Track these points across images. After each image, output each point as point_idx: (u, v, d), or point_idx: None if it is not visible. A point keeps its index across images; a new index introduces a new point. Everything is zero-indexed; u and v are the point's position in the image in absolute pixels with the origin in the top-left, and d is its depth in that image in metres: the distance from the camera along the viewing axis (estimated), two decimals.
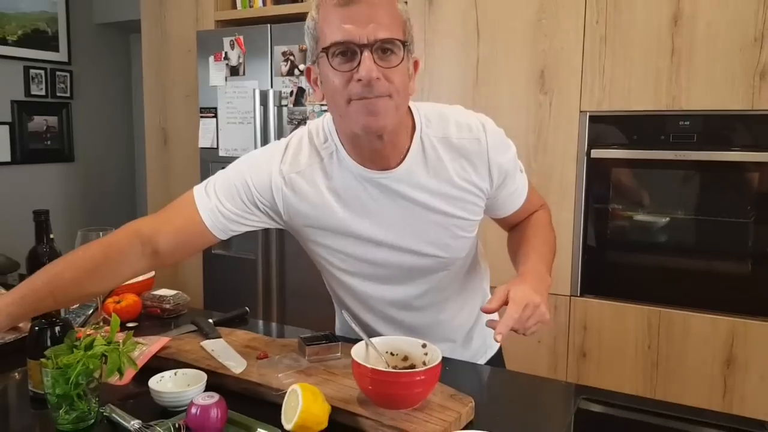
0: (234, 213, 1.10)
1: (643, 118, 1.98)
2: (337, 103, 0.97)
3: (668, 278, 2.01)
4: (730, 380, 1.92)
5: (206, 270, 2.82)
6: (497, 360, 1.35)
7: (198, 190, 1.13)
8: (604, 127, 2.03)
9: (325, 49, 0.94)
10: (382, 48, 0.92)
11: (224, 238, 1.14)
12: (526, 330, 0.97)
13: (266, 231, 2.55)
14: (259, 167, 1.09)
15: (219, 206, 1.09)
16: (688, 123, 1.92)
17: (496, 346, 1.35)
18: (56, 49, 3.79)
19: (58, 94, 3.83)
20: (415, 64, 1.01)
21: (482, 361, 1.31)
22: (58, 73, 3.81)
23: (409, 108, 1.06)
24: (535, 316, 0.97)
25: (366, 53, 0.91)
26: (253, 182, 1.09)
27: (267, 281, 2.59)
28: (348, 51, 0.92)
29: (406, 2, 0.99)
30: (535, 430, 0.96)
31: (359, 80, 0.92)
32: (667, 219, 2.01)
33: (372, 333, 1.19)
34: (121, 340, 1.05)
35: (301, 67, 2.42)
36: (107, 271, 1.07)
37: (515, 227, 1.24)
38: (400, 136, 1.04)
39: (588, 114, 2.06)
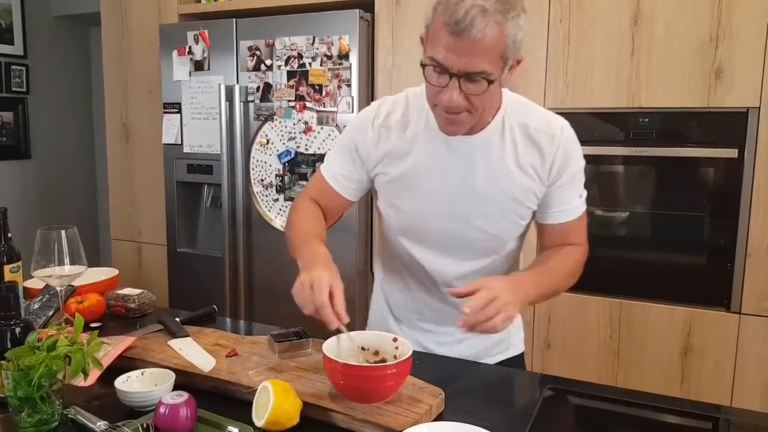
0: (345, 169, 1.27)
1: (604, 116, 2.03)
2: (427, 98, 1.11)
3: (628, 271, 2.07)
4: (686, 367, 1.99)
5: (171, 268, 2.76)
6: (518, 361, 1.37)
7: (323, 166, 1.33)
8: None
9: (428, 57, 1.03)
10: (470, 78, 1.00)
11: (354, 199, 1.31)
12: (487, 322, 0.98)
13: (232, 227, 2.52)
14: (358, 125, 1.26)
15: (336, 168, 1.28)
16: (647, 120, 1.97)
17: (520, 345, 1.38)
18: (11, 41, 3.66)
19: (14, 89, 3.70)
20: (518, 62, 1.05)
21: (501, 358, 1.33)
22: (13, 67, 3.68)
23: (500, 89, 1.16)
24: (497, 311, 0.99)
25: (453, 81, 1.01)
26: (353, 136, 1.26)
27: (234, 279, 2.56)
28: (441, 70, 1.01)
29: (522, 21, 1.01)
30: (504, 419, 0.98)
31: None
32: (627, 214, 2.06)
33: (404, 314, 1.35)
34: (85, 341, 1.03)
35: (268, 62, 2.40)
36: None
37: (546, 252, 1.26)
38: (484, 114, 1.12)
39: (552, 110, 2.09)
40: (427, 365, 1.13)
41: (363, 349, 1.07)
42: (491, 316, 0.98)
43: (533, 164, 1.15)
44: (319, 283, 1.03)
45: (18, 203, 3.77)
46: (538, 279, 1.14)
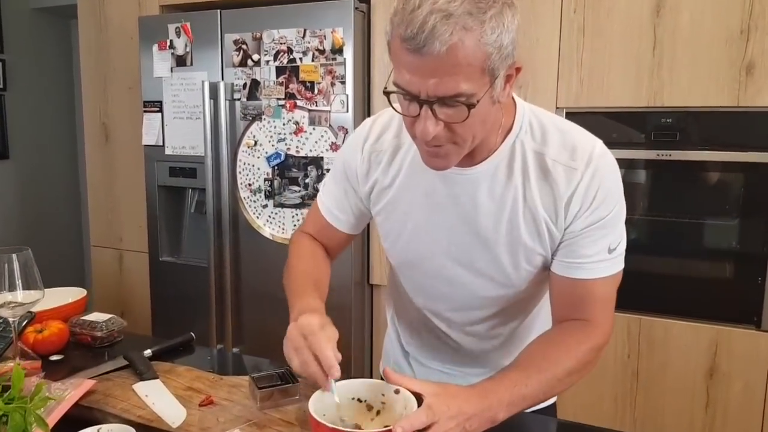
0: (339, 202, 1.13)
1: (623, 115, 1.88)
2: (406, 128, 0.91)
3: (649, 285, 1.92)
4: (712, 390, 1.84)
5: (153, 278, 2.60)
6: (550, 411, 1.16)
7: (319, 194, 1.19)
8: (582, 124, 1.90)
9: (393, 82, 0.83)
10: (445, 103, 0.79)
11: (355, 232, 1.17)
12: None
13: (218, 235, 2.36)
14: (349, 148, 1.10)
15: (332, 202, 1.14)
16: (670, 120, 1.83)
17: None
18: None
19: None
20: (516, 70, 0.84)
21: (532, 409, 1.06)
22: None
23: (514, 103, 0.96)
24: None
25: (425, 109, 0.80)
26: (344, 161, 1.11)
27: (220, 290, 2.40)
28: (409, 97, 0.82)
29: (509, 20, 0.78)
30: None
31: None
32: (648, 222, 1.92)
33: (414, 351, 1.22)
34: (32, 388, 0.87)
35: (255, 57, 2.23)
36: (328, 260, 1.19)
37: (547, 333, 1.01)
38: (487, 139, 0.92)
39: (564, 110, 1.94)
40: None
41: (359, 401, 0.90)
42: None
43: (545, 204, 0.93)
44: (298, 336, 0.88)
45: None
46: (518, 391, 0.87)
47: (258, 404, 0.98)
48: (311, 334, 0.87)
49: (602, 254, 0.93)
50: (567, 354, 0.92)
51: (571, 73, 1.91)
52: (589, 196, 0.91)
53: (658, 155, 1.83)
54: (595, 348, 0.95)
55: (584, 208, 0.91)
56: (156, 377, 1.09)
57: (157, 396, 1.02)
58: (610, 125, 1.89)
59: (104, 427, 0.91)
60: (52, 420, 0.92)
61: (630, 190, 1.90)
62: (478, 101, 0.79)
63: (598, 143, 0.94)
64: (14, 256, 1.09)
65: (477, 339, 1.12)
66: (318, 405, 0.83)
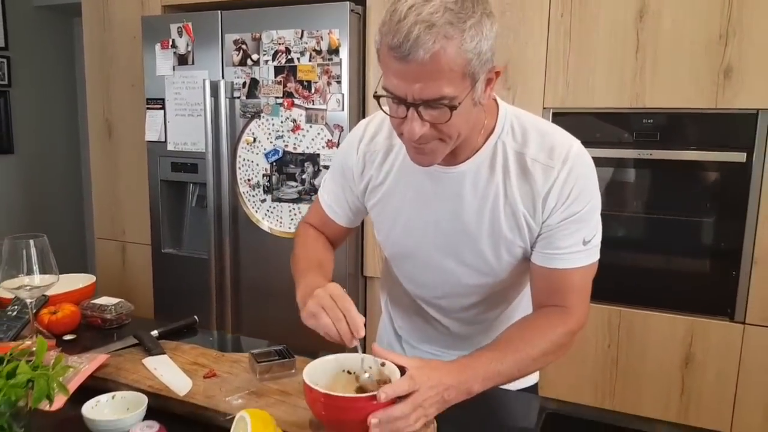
0: (338, 197, 1.21)
1: (607, 116, 1.95)
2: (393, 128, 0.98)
3: (628, 278, 2.00)
4: (687, 379, 1.92)
5: (156, 268, 2.68)
6: (531, 392, 1.26)
7: (320, 190, 1.27)
8: (567, 124, 1.95)
9: (382, 86, 0.90)
10: (430, 105, 0.86)
11: (354, 225, 1.26)
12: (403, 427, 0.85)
13: (218, 228, 2.44)
14: (345, 147, 1.18)
15: (330, 197, 1.23)
16: (651, 121, 1.89)
17: (534, 376, 1.26)
18: None
19: None
20: (496, 74, 0.91)
21: (514, 388, 1.18)
22: None
23: (497, 105, 1.03)
24: (416, 420, 0.86)
25: (411, 111, 0.87)
26: (341, 160, 1.18)
27: (220, 281, 2.48)
28: (397, 100, 0.89)
29: (487, 28, 0.85)
30: None
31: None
32: (629, 218, 1.99)
33: (406, 335, 1.31)
34: (52, 360, 0.95)
35: (254, 57, 2.30)
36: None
37: (526, 317, 1.08)
38: (470, 139, 1.00)
39: (551, 111, 2.02)
40: None
41: (349, 373, 0.98)
42: (410, 424, 0.85)
43: (525, 198, 1.00)
44: (327, 297, 0.95)
45: (0, 200, 3.66)
46: (494, 367, 0.95)
47: (257, 377, 1.07)
48: (340, 298, 0.94)
49: (578, 246, 1.00)
50: (542, 336, 1.00)
51: (558, 75, 1.99)
52: (565, 192, 0.98)
53: (639, 154, 1.91)
54: (569, 332, 1.02)
55: (560, 203, 0.98)
56: (164, 353, 1.17)
57: (165, 369, 1.11)
58: (594, 125, 1.95)
59: (118, 394, 1.00)
60: (70, 388, 1.00)
61: (613, 187, 1.99)
62: (459, 103, 0.86)
63: (576, 143, 1.01)
64: (32, 242, 1.16)
65: (464, 324, 1.21)
66: (312, 375, 0.92)
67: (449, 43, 0.81)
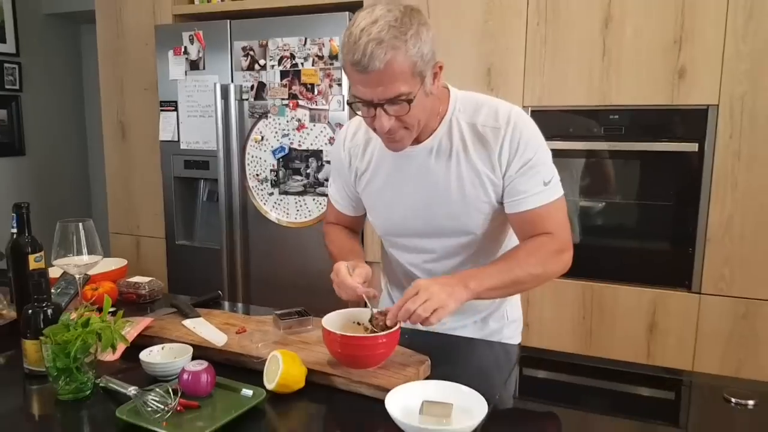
0: (338, 191, 1.44)
1: (578, 113, 2.17)
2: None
3: (600, 257, 2.22)
4: (652, 344, 2.14)
5: (170, 259, 2.86)
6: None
7: (328, 189, 1.50)
8: (545, 120, 2.17)
9: (351, 95, 1.12)
10: (393, 102, 1.08)
11: (360, 214, 1.47)
12: (420, 317, 1.06)
13: (229, 220, 2.63)
14: (336, 147, 1.41)
15: (333, 192, 1.46)
16: (617, 117, 2.11)
17: (515, 336, 1.46)
18: (3, 40, 3.69)
19: (7, 87, 3.75)
20: (440, 68, 1.13)
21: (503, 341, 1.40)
22: (6, 65, 3.73)
23: (448, 92, 1.24)
24: (428, 303, 1.05)
25: (378, 110, 1.10)
26: (334, 158, 1.42)
27: (232, 270, 2.64)
28: (365, 103, 1.10)
29: (424, 35, 1.07)
30: (483, 381, 1.11)
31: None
32: (599, 204, 2.20)
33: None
34: (111, 320, 1.15)
35: (261, 62, 2.50)
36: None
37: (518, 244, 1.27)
38: (430, 123, 1.21)
39: (530, 108, 2.23)
40: (416, 340, 1.25)
41: (357, 324, 1.20)
42: (422, 315, 1.05)
43: (482, 159, 1.20)
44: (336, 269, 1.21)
45: (13, 199, 3.78)
46: (488, 271, 1.16)
47: (281, 331, 1.28)
48: (336, 272, 1.22)
49: (539, 187, 1.20)
50: (531, 251, 1.20)
51: (535, 76, 2.20)
52: (514, 144, 1.19)
53: (606, 146, 2.13)
54: (552, 250, 1.20)
55: (512, 154, 1.19)
56: (199, 316, 1.38)
57: (202, 327, 1.31)
58: (567, 121, 2.17)
59: (167, 345, 1.19)
60: (129, 338, 1.21)
61: (585, 176, 2.22)
62: (414, 97, 1.09)
63: (516, 107, 1.23)
64: (80, 224, 1.32)
65: None
66: (329, 324, 1.13)
67: (397, 52, 1.04)
